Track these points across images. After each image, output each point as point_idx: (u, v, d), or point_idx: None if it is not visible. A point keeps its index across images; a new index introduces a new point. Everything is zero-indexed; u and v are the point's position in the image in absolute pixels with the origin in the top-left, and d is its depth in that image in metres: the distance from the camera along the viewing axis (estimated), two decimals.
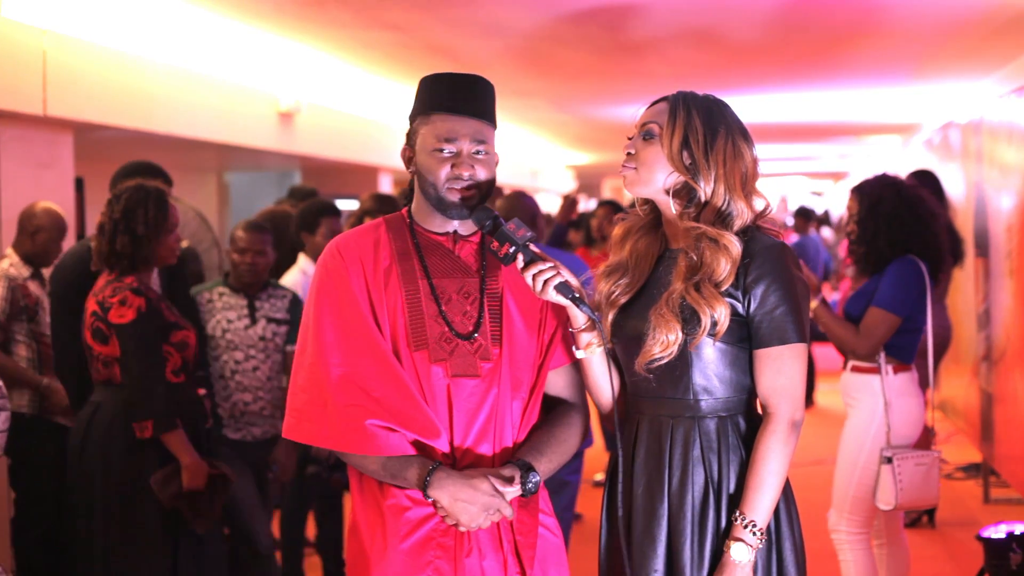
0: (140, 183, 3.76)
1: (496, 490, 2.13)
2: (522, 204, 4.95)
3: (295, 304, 4.34)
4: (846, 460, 3.89)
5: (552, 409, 2.32)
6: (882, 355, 3.83)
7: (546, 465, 2.23)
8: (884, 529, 4.02)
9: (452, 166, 2.20)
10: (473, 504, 2.12)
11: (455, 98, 2.24)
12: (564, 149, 15.27)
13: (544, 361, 2.29)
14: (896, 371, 3.85)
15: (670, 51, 7.13)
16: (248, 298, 4.29)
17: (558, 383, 2.33)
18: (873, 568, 3.90)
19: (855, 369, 3.92)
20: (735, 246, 2.14)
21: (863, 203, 3.94)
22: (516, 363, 2.24)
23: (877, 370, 3.83)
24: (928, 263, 3.87)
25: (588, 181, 21.01)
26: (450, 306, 2.22)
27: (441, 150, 2.21)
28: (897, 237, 3.85)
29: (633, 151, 2.25)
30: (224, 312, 4.28)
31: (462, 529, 2.16)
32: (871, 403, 3.84)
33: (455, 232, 2.28)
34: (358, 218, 4.56)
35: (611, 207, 7.33)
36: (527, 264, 2.16)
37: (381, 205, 4.57)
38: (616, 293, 2.29)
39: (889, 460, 3.73)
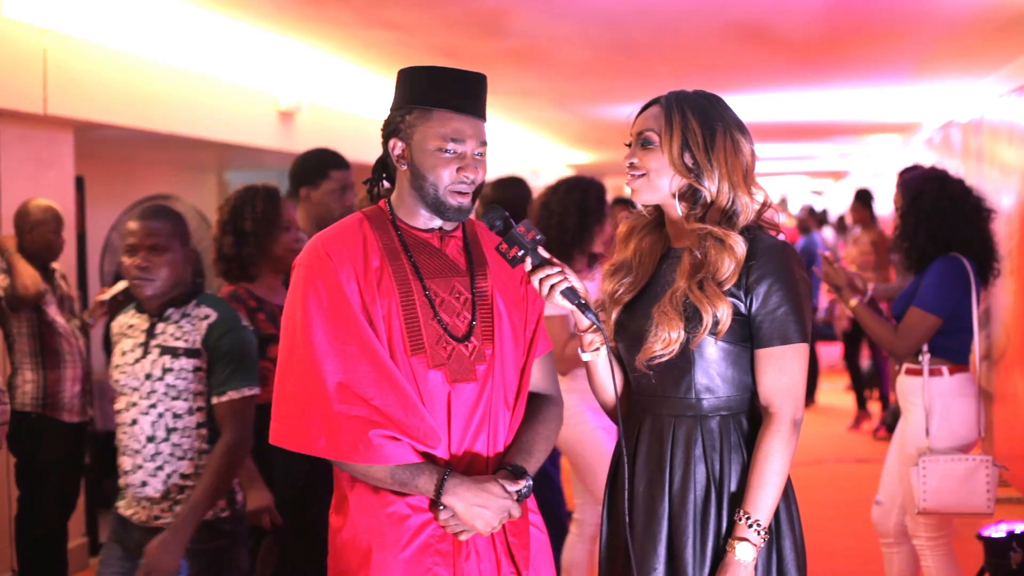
0: (251, 184, 3.51)
1: (506, 491, 2.12)
2: (518, 192, 4.89)
3: (216, 330, 2.97)
4: (908, 464, 3.80)
5: (529, 402, 2.30)
6: (926, 357, 3.77)
7: (534, 466, 2.22)
8: (892, 530, 3.98)
9: (458, 168, 2.15)
10: (488, 508, 2.09)
11: (461, 96, 2.17)
12: (564, 148, 15.25)
13: (528, 358, 2.27)
14: (952, 372, 3.79)
15: (670, 50, 7.13)
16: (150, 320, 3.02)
17: (535, 374, 2.32)
18: (956, 570, 3.83)
19: (909, 372, 3.87)
20: (740, 246, 2.14)
21: (906, 197, 3.87)
22: (507, 362, 2.22)
23: (932, 372, 3.78)
24: (975, 260, 3.79)
25: None
26: (443, 308, 2.18)
27: (445, 150, 2.15)
28: (938, 232, 3.78)
29: (635, 161, 2.23)
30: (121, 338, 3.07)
31: (462, 539, 2.13)
32: (926, 405, 3.79)
33: (440, 229, 2.24)
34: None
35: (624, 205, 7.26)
36: (535, 268, 2.15)
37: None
38: (620, 291, 2.29)
39: (916, 463, 3.68)
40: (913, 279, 3.90)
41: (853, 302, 3.89)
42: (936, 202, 3.79)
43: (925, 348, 3.79)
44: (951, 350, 3.80)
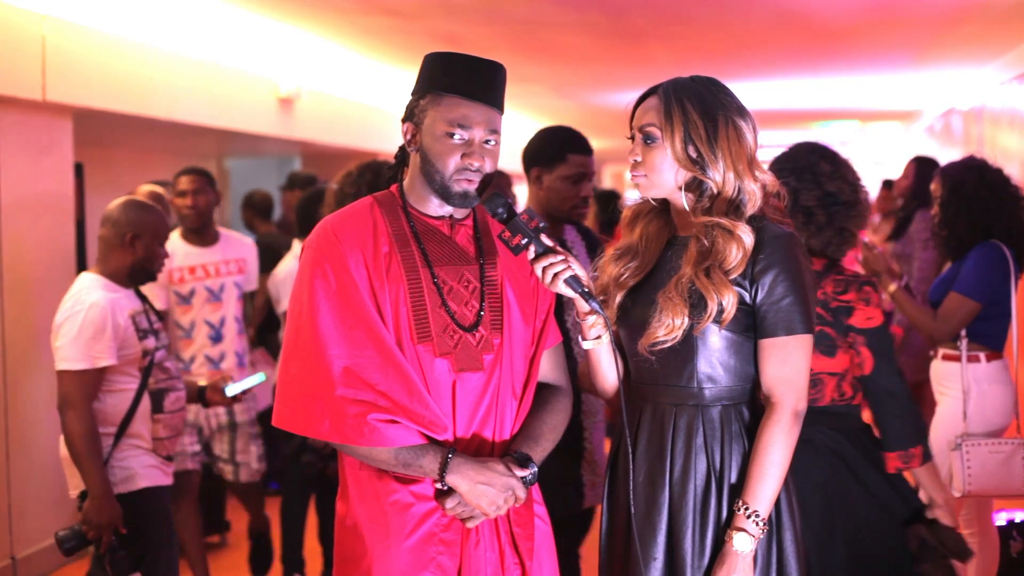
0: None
1: (510, 471, 2.12)
2: (497, 182, 4.82)
3: None
4: (938, 448, 3.82)
5: (539, 392, 2.30)
6: (963, 343, 3.80)
7: (540, 455, 2.21)
8: (976, 519, 3.98)
9: (463, 155, 2.13)
10: (492, 485, 2.08)
11: (472, 83, 2.14)
12: None
13: (537, 349, 2.26)
14: (989, 359, 3.84)
15: (671, 36, 7.11)
16: None
17: (544, 365, 2.31)
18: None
19: (946, 358, 3.91)
20: (748, 236, 2.13)
21: (946, 186, 3.91)
22: (515, 353, 2.21)
23: (970, 358, 3.81)
24: (1013, 247, 3.83)
25: None
26: (451, 296, 2.17)
27: (452, 135, 2.13)
28: (978, 221, 3.82)
29: (639, 158, 2.22)
30: None
31: (470, 525, 2.13)
32: (964, 389, 3.82)
33: (451, 216, 2.22)
34: (338, 199, 3.94)
35: None
36: (538, 256, 2.13)
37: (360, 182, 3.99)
38: (625, 276, 2.28)
39: (958, 447, 3.70)
40: (951, 266, 3.94)
41: (892, 287, 3.92)
42: (978, 191, 3.84)
43: (963, 333, 3.82)
44: (989, 336, 3.85)
